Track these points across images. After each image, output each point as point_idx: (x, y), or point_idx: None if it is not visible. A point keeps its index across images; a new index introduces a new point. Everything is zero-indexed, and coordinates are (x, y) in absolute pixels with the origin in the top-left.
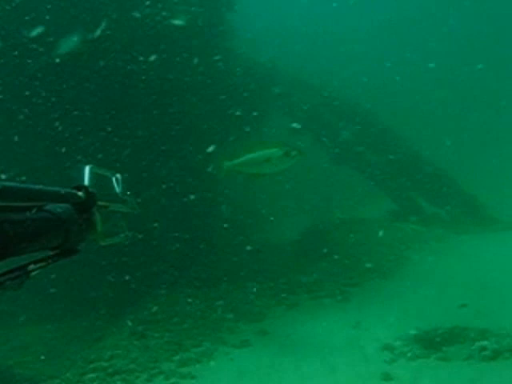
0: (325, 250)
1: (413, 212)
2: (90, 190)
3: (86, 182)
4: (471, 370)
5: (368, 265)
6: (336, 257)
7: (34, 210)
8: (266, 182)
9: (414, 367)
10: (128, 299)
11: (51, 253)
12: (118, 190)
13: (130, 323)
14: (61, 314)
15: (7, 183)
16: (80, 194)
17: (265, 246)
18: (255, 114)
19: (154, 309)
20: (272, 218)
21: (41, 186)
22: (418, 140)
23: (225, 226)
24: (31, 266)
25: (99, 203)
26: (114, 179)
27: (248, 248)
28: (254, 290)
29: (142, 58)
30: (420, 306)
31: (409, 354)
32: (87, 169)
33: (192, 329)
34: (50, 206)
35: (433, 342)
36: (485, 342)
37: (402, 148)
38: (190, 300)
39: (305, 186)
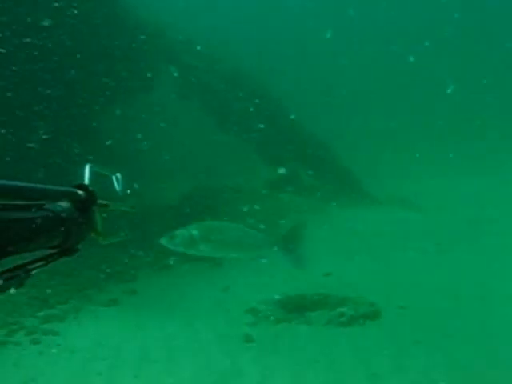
0: (202, 216)
1: (291, 182)
2: (90, 188)
3: (86, 180)
4: (328, 334)
5: None
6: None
7: (33, 209)
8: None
9: (275, 330)
10: None
11: (51, 251)
12: (117, 188)
13: None
14: None
15: (6, 182)
16: (80, 192)
17: (143, 209)
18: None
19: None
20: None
21: (41, 185)
22: (299, 110)
23: None
24: (31, 265)
25: (99, 202)
26: (113, 178)
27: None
28: (128, 250)
29: None
30: (288, 272)
31: (272, 318)
32: (87, 167)
33: (60, 285)
34: (49, 205)
35: (296, 307)
36: (344, 309)
37: (283, 118)
38: None
39: (188, 151)
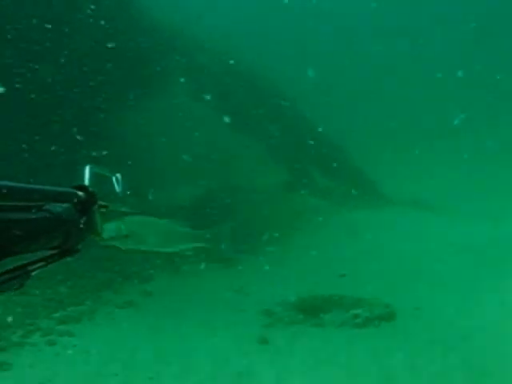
0: (216, 217)
1: (305, 184)
2: (90, 189)
3: (86, 181)
4: (343, 336)
5: (258, 232)
6: (226, 223)
7: (33, 210)
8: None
9: (289, 332)
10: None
11: (51, 252)
12: (117, 189)
13: None
14: None
15: (7, 183)
16: (80, 193)
17: (155, 210)
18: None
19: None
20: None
21: (41, 186)
22: (312, 112)
23: None
24: (31, 266)
25: (99, 203)
26: (113, 178)
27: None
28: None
29: None
30: (303, 274)
31: (286, 320)
32: (87, 168)
33: (75, 287)
34: (49, 206)
35: (310, 309)
36: (358, 310)
37: (297, 119)
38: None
39: (201, 152)
